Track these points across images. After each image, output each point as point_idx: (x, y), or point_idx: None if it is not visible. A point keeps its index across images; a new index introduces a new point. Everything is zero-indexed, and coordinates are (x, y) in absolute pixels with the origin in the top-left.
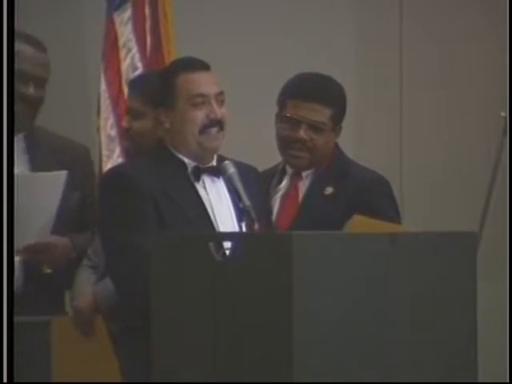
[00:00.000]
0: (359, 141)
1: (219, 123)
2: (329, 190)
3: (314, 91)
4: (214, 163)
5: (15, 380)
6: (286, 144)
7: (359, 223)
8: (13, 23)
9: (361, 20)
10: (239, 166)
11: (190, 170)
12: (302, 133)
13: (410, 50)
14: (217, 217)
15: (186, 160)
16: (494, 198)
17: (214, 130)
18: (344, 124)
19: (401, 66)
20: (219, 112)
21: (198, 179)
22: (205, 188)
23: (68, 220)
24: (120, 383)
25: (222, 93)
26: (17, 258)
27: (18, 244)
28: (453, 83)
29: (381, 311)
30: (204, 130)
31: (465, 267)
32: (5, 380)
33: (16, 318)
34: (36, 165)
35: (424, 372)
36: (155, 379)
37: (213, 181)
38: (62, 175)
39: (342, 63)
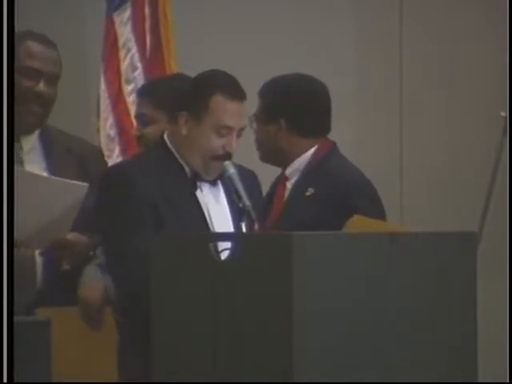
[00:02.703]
0: (359, 141)
1: (230, 157)
2: (310, 191)
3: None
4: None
5: (15, 380)
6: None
7: (359, 223)
8: (13, 23)
9: (361, 20)
10: (238, 169)
11: (189, 176)
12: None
13: (409, 50)
14: (213, 220)
15: (186, 168)
16: (493, 198)
17: (224, 159)
18: (344, 124)
19: (401, 65)
20: (235, 146)
21: (195, 187)
22: (202, 191)
23: (85, 219)
24: (120, 383)
25: (244, 127)
26: (37, 253)
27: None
28: (453, 83)
29: (381, 311)
30: (215, 157)
31: (465, 267)
32: (5, 380)
33: (16, 318)
34: (51, 163)
35: (424, 372)
36: (155, 379)
37: (210, 186)
38: (84, 187)
39: (342, 63)
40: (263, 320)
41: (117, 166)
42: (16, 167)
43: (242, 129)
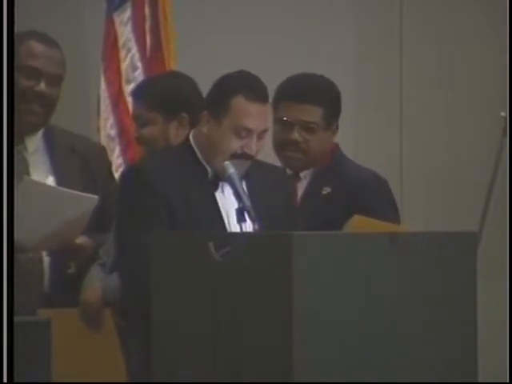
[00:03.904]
0: (359, 141)
1: (251, 158)
2: (327, 190)
3: (303, 91)
4: None
5: (15, 380)
6: (281, 146)
7: (359, 223)
8: (13, 23)
9: (361, 20)
10: (267, 167)
11: (210, 176)
12: (296, 134)
13: (409, 50)
14: (231, 221)
15: (208, 168)
16: (493, 198)
17: (243, 159)
18: (344, 124)
19: (401, 65)
20: (255, 148)
21: (216, 187)
22: (223, 192)
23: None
24: (119, 383)
25: (267, 130)
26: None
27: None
28: (453, 83)
29: (381, 311)
30: (234, 156)
31: (465, 267)
32: (5, 380)
33: (16, 318)
34: (56, 163)
35: (424, 372)
36: (155, 379)
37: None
38: (93, 200)
39: (341, 63)
40: (263, 320)
41: (137, 164)
42: (26, 177)
43: (263, 131)
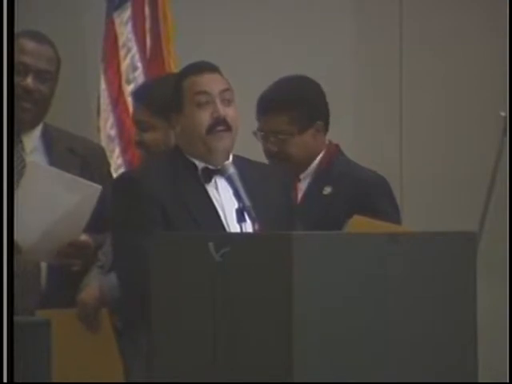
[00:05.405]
0: (359, 140)
1: (224, 122)
2: (327, 190)
3: (265, 102)
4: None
5: (15, 380)
6: (269, 158)
7: (359, 223)
8: (13, 23)
9: (361, 20)
10: (261, 166)
11: (200, 171)
12: (271, 145)
13: (409, 50)
14: (228, 218)
15: (196, 162)
16: (493, 198)
17: (220, 129)
18: (344, 124)
19: (401, 66)
20: (223, 111)
21: (208, 180)
22: (216, 189)
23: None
24: (119, 383)
25: (227, 90)
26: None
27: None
28: (453, 83)
29: (381, 311)
30: (210, 130)
31: (465, 267)
32: (5, 380)
33: (16, 318)
34: (54, 164)
35: (424, 372)
36: (155, 379)
37: (227, 182)
38: (96, 189)
39: (342, 63)
40: (263, 320)
41: (128, 171)
42: (30, 161)
43: (223, 92)
